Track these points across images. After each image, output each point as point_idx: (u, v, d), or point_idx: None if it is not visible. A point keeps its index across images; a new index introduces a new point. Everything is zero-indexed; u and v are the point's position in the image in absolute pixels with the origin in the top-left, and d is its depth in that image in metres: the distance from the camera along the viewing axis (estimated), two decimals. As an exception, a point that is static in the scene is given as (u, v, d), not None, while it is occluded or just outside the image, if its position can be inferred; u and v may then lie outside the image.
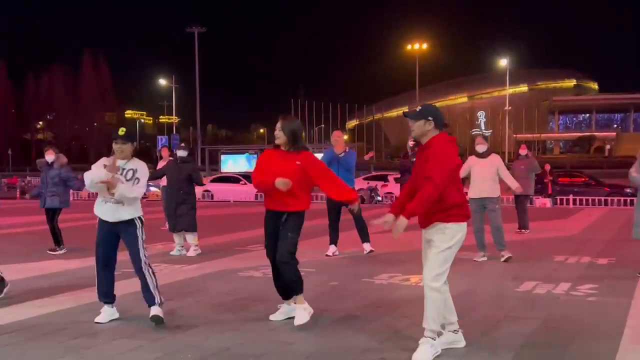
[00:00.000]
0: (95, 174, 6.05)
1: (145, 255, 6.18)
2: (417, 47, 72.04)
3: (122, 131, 6.17)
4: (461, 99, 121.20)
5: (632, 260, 9.87)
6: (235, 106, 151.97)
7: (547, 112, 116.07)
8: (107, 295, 6.26)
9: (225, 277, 8.83)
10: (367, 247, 10.72)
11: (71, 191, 13.03)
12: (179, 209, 10.72)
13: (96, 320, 6.19)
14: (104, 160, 6.18)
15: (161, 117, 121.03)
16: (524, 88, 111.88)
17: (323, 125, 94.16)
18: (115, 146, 6.11)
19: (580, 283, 8.12)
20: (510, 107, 69.64)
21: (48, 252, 11.22)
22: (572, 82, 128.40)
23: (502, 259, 9.87)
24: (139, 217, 6.21)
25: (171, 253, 10.93)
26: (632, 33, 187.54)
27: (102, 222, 6.18)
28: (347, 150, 10.48)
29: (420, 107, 5.23)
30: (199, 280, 8.57)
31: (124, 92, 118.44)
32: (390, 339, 5.70)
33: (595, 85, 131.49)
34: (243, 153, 54.00)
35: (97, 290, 6.29)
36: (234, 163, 49.78)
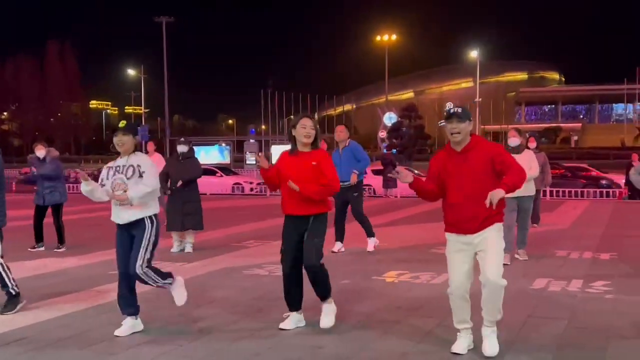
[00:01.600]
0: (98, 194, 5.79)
1: (143, 260, 5.65)
2: (387, 38, 72.24)
3: (122, 123, 5.84)
4: (430, 90, 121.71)
5: (635, 256, 9.91)
6: (202, 97, 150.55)
7: (514, 103, 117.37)
8: (129, 304, 5.86)
9: (231, 275, 8.64)
10: (371, 243, 10.53)
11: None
12: (186, 207, 10.46)
13: (116, 333, 5.77)
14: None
15: (127, 107, 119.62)
16: (491, 79, 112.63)
17: (293, 117, 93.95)
18: (115, 139, 5.75)
19: (592, 280, 8.09)
20: (480, 99, 70.00)
21: (29, 249, 10.90)
22: (538, 74, 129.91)
23: (522, 258, 9.62)
24: (150, 217, 5.75)
25: (172, 250, 10.68)
26: (598, 25, 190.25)
27: (117, 226, 5.84)
28: (347, 144, 10.32)
29: (460, 109, 5.11)
30: (207, 280, 8.36)
31: (88, 82, 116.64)
32: (424, 341, 5.58)
33: (560, 77, 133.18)
34: (213, 144, 53.65)
35: (118, 299, 5.88)
36: (207, 155, 49.30)
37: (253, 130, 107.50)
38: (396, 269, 8.98)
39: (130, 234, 5.75)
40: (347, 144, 10.32)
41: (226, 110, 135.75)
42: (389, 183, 24.93)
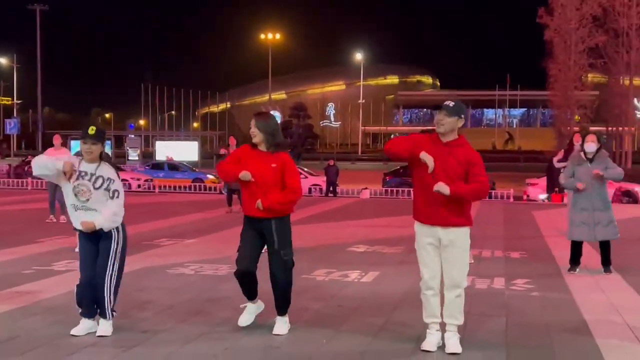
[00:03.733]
0: (51, 161, 5.42)
1: (113, 272, 5.46)
2: (271, 37, 72.40)
3: (92, 130, 5.42)
4: (312, 90, 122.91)
5: (543, 255, 10.41)
6: (76, 90, 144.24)
7: (393, 106, 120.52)
8: (88, 308, 5.55)
9: (155, 276, 8.33)
10: None
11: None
12: None
13: (73, 332, 5.50)
14: (59, 154, 5.57)
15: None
16: (372, 82, 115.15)
17: (174, 112, 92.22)
18: (83, 147, 5.41)
19: (513, 278, 8.40)
20: (364, 100, 71.39)
21: None
22: (415, 78, 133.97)
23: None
24: (117, 228, 5.49)
25: (76, 250, 10.14)
26: (472, 33, 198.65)
27: (80, 235, 5.54)
28: None
29: (454, 103, 5.12)
30: (129, 281, 7.97)
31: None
32: (379, 338, 5.63)
33: (435, 81, 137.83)
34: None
35: (77, 303, 5.57)
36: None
37: (132, 125, 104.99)
38: (321, 267, 8.97)
39: (95, 241, 5.48)
40: None
41: (103, 104, 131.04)
42: None
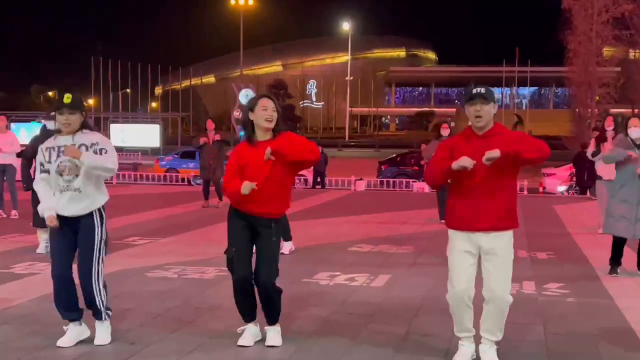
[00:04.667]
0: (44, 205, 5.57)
1: (100, 267, 5.60)
2: (242, 2, 72.16)
3: (67, 98, 5.41)
4: (291, 65, 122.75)
5: (573, 254, 10.56)
6: (9, 65, 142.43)
7: (384, 84, 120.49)
8: (71, 309, 5.62)
9: (133, 280, 8.38)
10: (287, 246, 10.40)
11: None
12: None
13: (59, 343, 5.56)
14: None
15: None
16: (359, 56, 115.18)
17: (129, 90, 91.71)
18: (60, 118, 5.45)
19: (544, 282, 8.52)
20: (352, 77, 71.45)
21: None
22: (410, 52, 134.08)
23: None
24: (99, 210, 5.63)
25: (38, 251, 10.14)
26: (474, 3, 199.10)
27: (52, 231, 5.61)
28: None
29: (484, 88, 5.15)
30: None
31: None
32: (402, 348, 5.73)
33: (433, 55, 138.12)
34: (30, 121, 51.39)
35: (56, 305, 5.61)
36: (29, 133, 47.19)
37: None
38: (323, 270, 9.05)
39: (73, 230, 5.54)
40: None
41: (44, 81, 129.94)
42: None
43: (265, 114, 5.53)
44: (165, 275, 8.60)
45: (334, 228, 13.56)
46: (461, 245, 5.23)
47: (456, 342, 5.48)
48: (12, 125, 48.49)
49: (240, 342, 5.73)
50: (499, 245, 5.16)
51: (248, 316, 5.79)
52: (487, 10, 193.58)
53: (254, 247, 5.75)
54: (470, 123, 5.23)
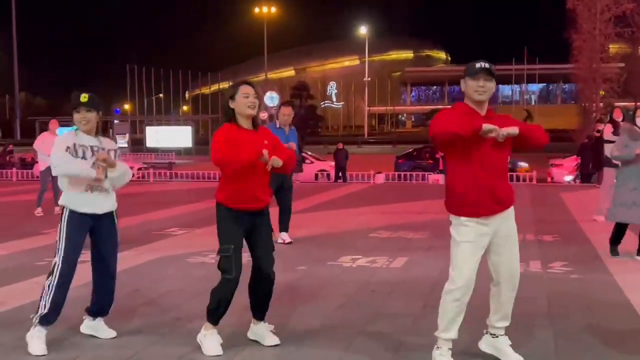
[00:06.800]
0: (81, 166, 5.28)
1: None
2: (266, 10, 72.49)
3: (84, 97, 5.26)
4: (312, 68, 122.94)
5: (578, 238, 10.73)
6: (52, 73, 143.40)
7: (400, 83, 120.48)
8: (58, 313, 5.31)
9: (174, 265, 8.67)
10: (285, 237, 10.36)
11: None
12: None
13: (34, 351, 5.14)
14: (67, 141, 5.27)
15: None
16: (376, 58, 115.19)
17: (162, 95, 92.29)
18: (77, 116, 5.29)
19: (549, 261, 8.74)
20: (369, 78, 71.55)
21: None
22: (424, 53, 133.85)
23: None
24: (116, 213, 5.64)
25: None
26: (483, 4, 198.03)
27: (81, 219, 5.35)
28: (291, 126, 10.46)
29: (488, 64, 4.66)
30: (148, 271, 8.35)
31: None
32: (416, 319, 5.95)
33: (447, 57, 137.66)
34: (71, 125, 51.87)
35: (50, 310, 5.20)
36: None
37: (118, 110, 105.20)
38: (345, 254, 9.29)
39: (91, 228, 5.41)
40: (291, 127, 10.43)
41: (84, 88, 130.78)
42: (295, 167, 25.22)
43: (247, 101, 5.20)
44: (203, 261, 8.88)
45: (355, 217, 13.82)
46: (470, 234, 4.78)
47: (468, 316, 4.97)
48: (59, 130, 49.12)
49: (217, 351, 5.22)
50: (512, 223, 4.88)
51: (220, 319, 5.38)
52: (495, 11, 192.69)
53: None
54: (466, 99, 4.75)
